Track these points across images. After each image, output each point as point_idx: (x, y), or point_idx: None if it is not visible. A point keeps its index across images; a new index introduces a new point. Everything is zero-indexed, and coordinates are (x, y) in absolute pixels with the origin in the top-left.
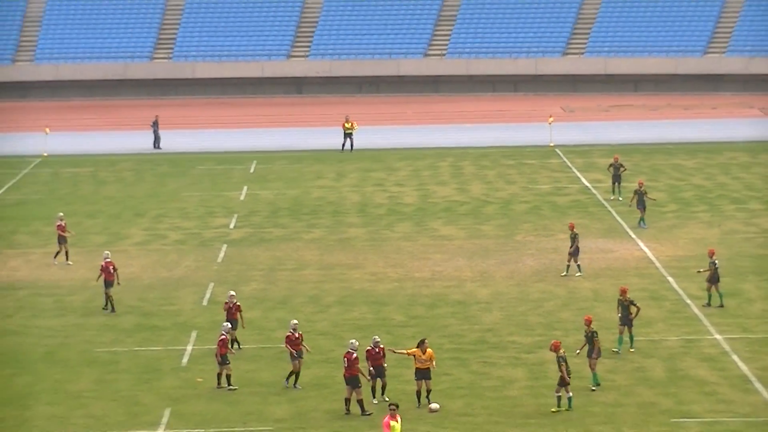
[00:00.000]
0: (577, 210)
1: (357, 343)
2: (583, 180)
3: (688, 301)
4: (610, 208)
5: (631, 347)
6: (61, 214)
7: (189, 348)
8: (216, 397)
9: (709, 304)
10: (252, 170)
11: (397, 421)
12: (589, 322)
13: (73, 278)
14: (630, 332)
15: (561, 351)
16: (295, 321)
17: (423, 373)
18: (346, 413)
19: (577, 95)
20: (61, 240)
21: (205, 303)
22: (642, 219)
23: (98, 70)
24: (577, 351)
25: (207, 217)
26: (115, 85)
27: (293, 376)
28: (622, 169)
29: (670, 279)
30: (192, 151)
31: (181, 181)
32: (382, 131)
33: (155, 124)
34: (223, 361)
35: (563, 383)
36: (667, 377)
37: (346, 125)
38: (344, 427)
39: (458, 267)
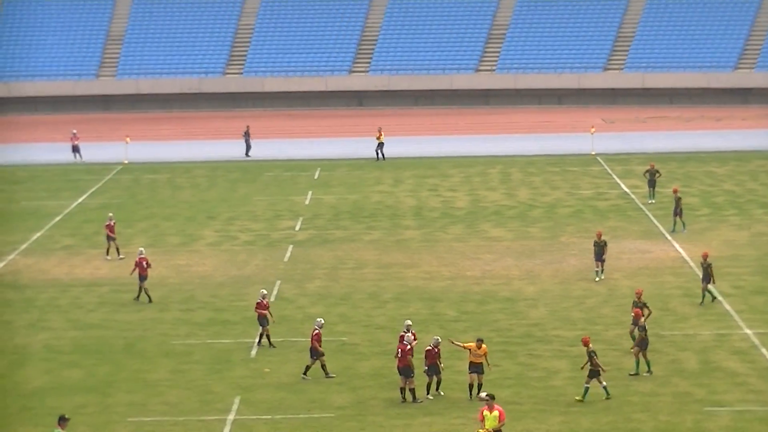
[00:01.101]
0: (617, 214)
1: (412, 336)
2: (623, 186)
3: (720, 298)
4: (647, 212)
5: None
6: (111, 214)
7: (257, 341)
8: (282, 386)
9: (702, 303)
10: (316, 177)
11: (491, 412)
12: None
13: (151, 276)
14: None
15: (590, 346)
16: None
17: (476, 367)
18: (401, 401)
19: (617, 107)
20: (110, 239)
21: (272, 299)
22: (680, 223)
23: (175, 85)
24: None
25: (274, 219)
26: (191, 99)
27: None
28: (657, 174)
29: None
30: (261, 159)
31: (251, 187)
32: (437, 141)
33: (246, 134)
34: (313, 354)
35: (593, 375)
36: (701, 369)
37: (378, 136)
38: (400, 415)
39: (506, 266)
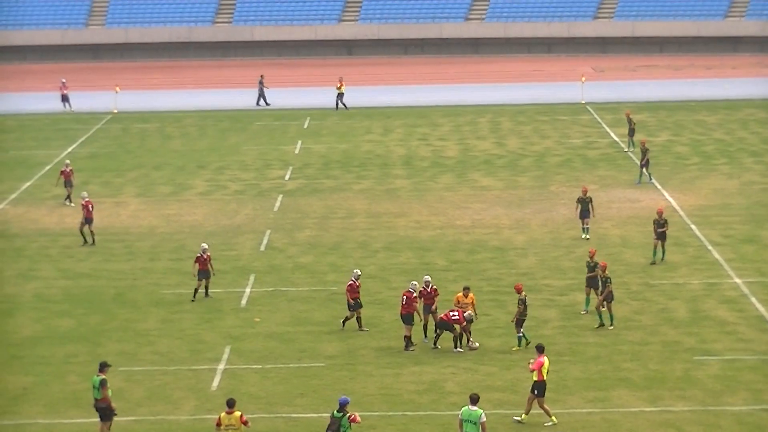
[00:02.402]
0: (606, 163)
1: (417, 284)
2: (612, 135)
3: (710, 248)
4: (636, 161)
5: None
6: (68, 161)
7: (248, 290)
8: (272, 336)
9: (654, 262)
10: (306, 126)
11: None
12: (604, 268)
13: (141, 225)
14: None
15: (522, 293)
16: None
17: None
18: (405, 349)
19: (607, 56)
20: (67, 184)
21: (262, 248)
22: (645, 175)
23: (164, 34)
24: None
25: (264, 169)
26: (180, 48)
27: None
28: (633, 123)
29: (693, 226)
30: (250, 108)
31: (241, 136)
32: (426, 90)
33: (261, 83)
34: (355, 305)
35: (520, 323)
36: (690, 318)
37: (339, 86)
38: (390, 364)
39: (496, 215)
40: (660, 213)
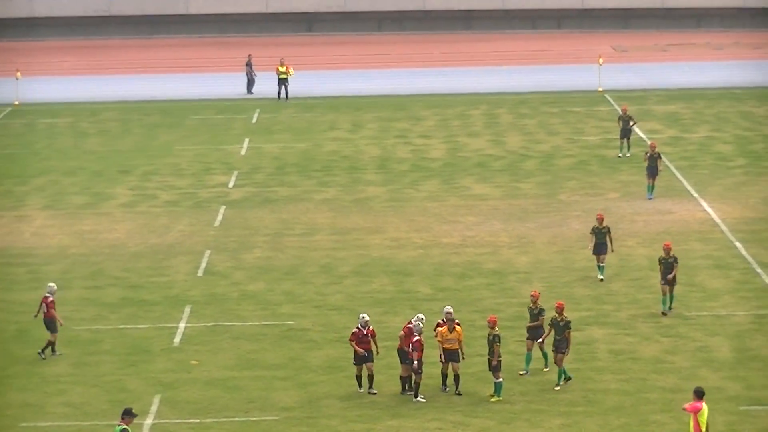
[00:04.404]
0: (630, 166)
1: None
2: (637, 130)
3: (759, 270)
4: (668, 163)
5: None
6: None
7: (182, 325)
8: (213, 382)
9: (665, 313)
10: (254, 120)
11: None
12: (560, 309)
13: (49, 245)
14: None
15: (496, 329)
16: (417, 318)
17: (451, 355)
18: (402, 393)
19: (630, 32)
20: None
21: (200, 273)
22: (650, 187)
23: (78, 5)
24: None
25: (203, 174)
26: (98, 23)
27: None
28: (631, 122)
29: (738, 244)
30: (186, 98)
31: (174, 134)
32: (406, 74)
33: (249, 65)
34: (364, 358)
35: (497, 368)
36: (735, 358)
37: (280, 69)
38: (362, 417)
39: (493, 231)
40: (668, 249)
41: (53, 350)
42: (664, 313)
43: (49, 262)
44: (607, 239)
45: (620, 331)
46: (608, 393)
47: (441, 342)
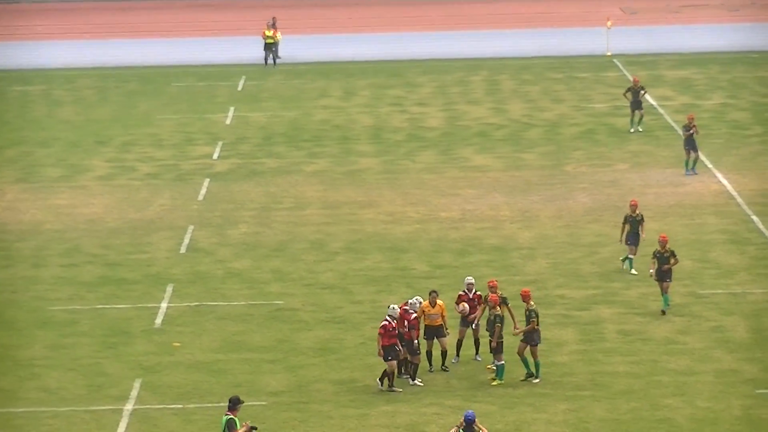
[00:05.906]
0: (641, 135)
1: (421, 301)
2: (648, 97)
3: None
4: (681, 132)
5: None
6: None
7: (164, 305)
8: (197, 365)
9: (664, 311)
10: (240, 87)
11: None
12: (495, 303)
13: (22, 221)
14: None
15: (531, 303)
16: (415, 299)
17: (434, 331)
18: (398, 376)
19: None
20: None
21: (183, 250)
22: (689, 162)
23: None
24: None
25: (185, 145)
26: None
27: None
28: (642, 92)
29: (755, 218)
30: (167, 64)
31: (154, 102)
32: (400, 39)
33: (272, 27)
34: (394, 354)
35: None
36: (751, 339)
37: (267, 33)
38: (355, 402)
39: (494, 205)
40: (663, 242)
41: None
42: (663, 312)
43: (22, 238)
44: (640, 228)
45: (630, 310)
46: (617, 376)
47: (425, 319)
